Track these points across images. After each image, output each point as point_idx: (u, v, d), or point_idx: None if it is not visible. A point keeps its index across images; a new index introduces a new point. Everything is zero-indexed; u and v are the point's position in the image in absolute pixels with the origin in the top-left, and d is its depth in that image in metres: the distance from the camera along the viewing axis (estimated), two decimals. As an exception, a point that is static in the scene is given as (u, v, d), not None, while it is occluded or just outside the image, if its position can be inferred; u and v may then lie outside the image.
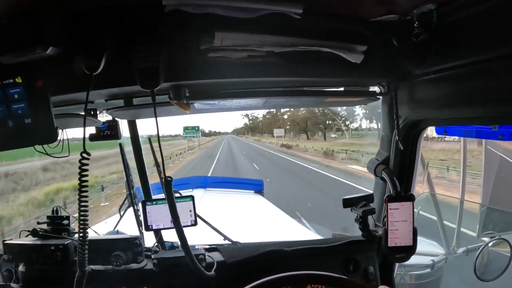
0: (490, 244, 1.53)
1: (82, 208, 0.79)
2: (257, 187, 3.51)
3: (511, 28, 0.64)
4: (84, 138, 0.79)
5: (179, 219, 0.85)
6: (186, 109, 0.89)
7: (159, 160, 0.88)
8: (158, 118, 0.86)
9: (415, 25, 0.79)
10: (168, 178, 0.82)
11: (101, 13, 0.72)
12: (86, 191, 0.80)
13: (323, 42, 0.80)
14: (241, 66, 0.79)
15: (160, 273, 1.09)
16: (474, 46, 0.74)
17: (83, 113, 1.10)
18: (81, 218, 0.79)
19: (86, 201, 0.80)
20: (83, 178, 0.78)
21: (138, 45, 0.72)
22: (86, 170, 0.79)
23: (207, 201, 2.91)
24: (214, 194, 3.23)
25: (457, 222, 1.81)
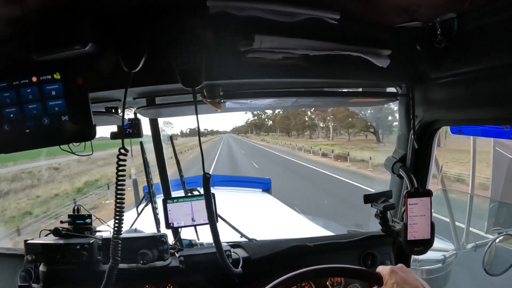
0: (497, 240, 1.58)
1: (118, 201, 0.80)
2: (265, 186, 3.50)
3: None
4: (122, 135, 0.81)
5: (214, 216, 0.87)
6: (218, 107, 0.91)
7: (198, 156, 0.89)
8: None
9: (438, 32, 0.83)
10: (207, 175, 0.84)
11: (143, 11, 0.73)
12: (123, 185, 0.81)
13: (353, 47, 0.83)
14: (275, 67, 0.82)
15: (185, 270, 1.11)
16: (488, 53, 0.78)
17: (116, 111, 1.12)
18: (117, 209, 0.80)
19: (123, 194, 0.81)
20: (120, 173, 0.79)
21: (180, 46, 0.73)
22: (124, 165, 0.80)
23: (217, 199, 2.89)
24: (222, 192, 3.23)
25: (466, 218, 1.86)
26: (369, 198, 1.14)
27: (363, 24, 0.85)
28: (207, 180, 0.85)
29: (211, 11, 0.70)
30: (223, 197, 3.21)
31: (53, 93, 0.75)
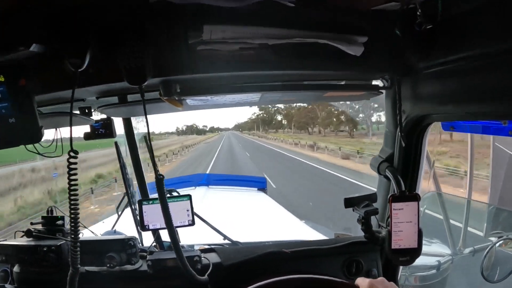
0: (497, 244, 1.48)
1: (72, 207, 0.77)
2: (260, 185, 3.47)
3: None
4: (71, 137, 0.77)
5: (171, 220, 0.82)
6: (178, 105, 0.85)
7: (152, 157, 0.84)
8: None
9: (418, 13, 0.73)
10: (160, 176, 0.79)
11: (85, 9, 0.69)
12: (76, 190, 0.77)
13: (319, 34, 0.74)
14: (233, 59, 0.75)
15: (154, 275, 1.07)
16: (481, 39, 0.69)
17: (76, 112, 1.09)
18: (72, 216, 0.77)
19: (77, 199, 0.78)
20: (72, 177, 0.76)
21: (123, 42, 0.68)
22: (75, 169, 0.76)
23: (210, 199, 2.89)
24: (216, 191, 3.20)
25: (463, 222, 1.75)
26: (350, 202, 1.06)
27: (332, 7, 0.76)
28: (160, 182, 0.80)
29: (153, 0, 0.63)
30: (217, 196, 3.19)
31: None
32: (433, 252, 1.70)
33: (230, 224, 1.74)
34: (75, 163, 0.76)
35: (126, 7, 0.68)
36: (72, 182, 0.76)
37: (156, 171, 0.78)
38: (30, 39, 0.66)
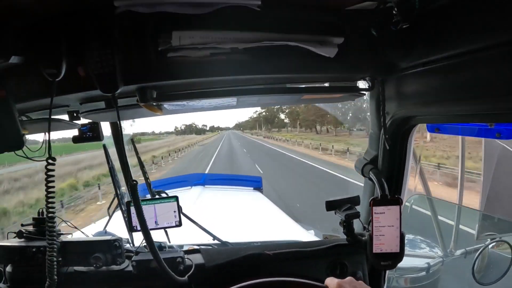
0: (490, 246, 1.46)
1: (50, 215, 0.79)
2: (256, 184, 3.48)
3: (506, 12, 0.56)
4: (49, 143, 0.78)
5: (145, 222, 0.85)
6: (157, 111, 0.86)
7: (126, 161, 0.85)
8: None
9: (394, 12, 0.71)
10: (134, 182, 0.81)
11: (55, 19, 0.69)
12: (53, 197, 0.79)
13: (289, 36, 0.73)
14: (205, 65, 0.75)
15: (138, 275, 1.09)
16: (463, 34, 0.66)
17: (61, 117, 1.11)
18: (49, 225, 0.79)
19: (53, 208, 0.79)
20: (50, 184, 0.77)
21: (91, 50, 0.69)
22: (52, 176, 0.78)
23: (205, 198, 2.91)
24: (212, 191, 3.22)
25: (454, 223, 1.73)
26: (332, 205, 1.06)
27: (304, 7, 0.75)
28: (134, 188, 0.81)
29: (118, 11, 0.64)
30: (213, 196, 3.21)
31: None
32: (423, 254, 1.68)
33: (222, 224, 1.75)
34: (53, 170, 0.78)
35: (93, 15, 0.69)
36: (50, 190, 0.78)
37: (130, 177, 0.79)
38: (8, 51, 0.68)
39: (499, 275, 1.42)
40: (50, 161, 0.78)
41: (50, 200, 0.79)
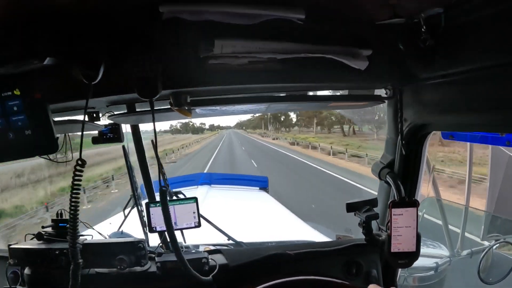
0: (494, 247, 1.51)
1: (72, 208, 0.79)
2: (262, 184, 3.50)
3: None
4: (81, 145, 0.79)
5: (172, 226, 0.87)
6: (188, 115, 0.88)
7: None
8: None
9: (422, 30, 0.76)
10: (164, 188, 0.83)
11: (97, 21, 0.70)
12: (78, 197, 0.80)
13: (326, 48, 0.77)
14: (242, 72, 0.77)
15: (163, 276, 1.10)
16: (482, 51, 0.71)
17: (97, 117, 1.11)
18: (71, 215, 0.80)
19: (77, 203, 0.80)
20: (75, 187, 0.78)
21: (134, 54, 0.70)
22: (80, 176, 0.78)
23: (212, 198, 2.92)
24: (219, 191, 3.23)
25: (461, 224, 1.79)
26: (352, 206, 1.10)
27: (338, 22, 0.79)
28: (163, 193, 0.84)
29: (164, 17, 0.66)
30: (219, 195, 3.23)
31: (15, 108, 0.75)
32: (431, 253, 1.74)
33: (233, 224, 1.77)
34: (82, 170, 0.79)
35: (137, 20, 0.70)
36: (75, 190, 0.78)
37: (160, 182, 0.81)
38: (44, 52, 0.68)
39: (502, 275, 1.48)
40: (79, 162, 0.77)
41: (74, 201, 0.79)
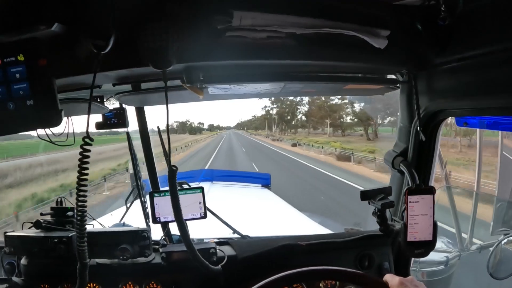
0: (503, 242, 1.49)
1: (80, 198, 0.74)
2: (265, 181, 3.46)
3: None
4: (88, 122, 0.74)
5: (181, 212, 0.81)
6: (200, 93, 0.84)
7: (167, 149, 0.82)
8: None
9: (442, 8, 0.74)
10: (173, 167, 0.78)
11: None
12: (86, 179, 0.74)
13: (346, 25, 0.75)
14: (259, 47, 0.74)
15: (168, 267, 1.05)
16: (499, 34, 0.69)
17: (101, 100, 1.06)
18: (79, 207, 0.74)
19: (85, 190, 0.74)
20: (84, 166, 0.72)
21: (146, 24, 0.66)
22: (88, 157, 0.73)
23: (214, 194, 2.87)
24: (221, 187, 3.18)
25: (471, 217, 1.77)
26: (366, 195, 1.06)
27: (356, 0, 0.76)
28: (173, 173, 0.78)
29: None
30: (221, 192, 3.18)
31: (17, 76, 0.69)
32: (441, 248, 1.71)
33: (236, 219, 1.72)
34: (89, 151, 0.73)
35: None
36: (83, 171, 0.72)
37: (169, 162, 0.76)
38: (52, 18, 0.64)
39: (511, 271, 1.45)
40: (87, 140, 0.72)
41: (82, 182, 0.73)
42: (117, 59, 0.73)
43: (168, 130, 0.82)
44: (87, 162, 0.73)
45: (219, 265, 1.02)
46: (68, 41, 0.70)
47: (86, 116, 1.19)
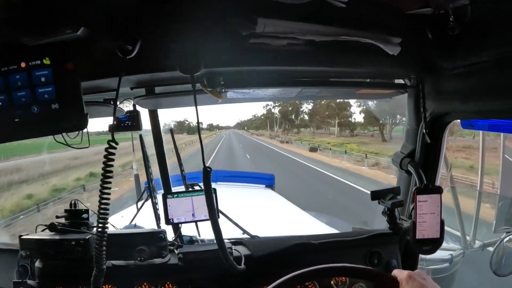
0: (506, 240, 1.53)
1: (103, 201, 0.75)
2: (268, 182, 3.47)
3: None
4: (113, 126, 0.76)
5: (215, 212, 0.83)
6: (219, 97, 0.87)
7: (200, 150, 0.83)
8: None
9: (450, 19, 0.78)
10: (208, 169, 0.80)
11: None
12: (110, 182, 0.75)
13: (362, 32, 0.78)
14: (279, 54, 0.77)
15: (185, 268, 1.07)
16: (503, 41, 0.73)
17: (100, 102, 1.08)
18: (101, 212, 0.75)
19: (109, 193, 0.76)
20: (108, 169, 0.74)
21: (173, 29, 0.69)
22: (112, 160, 0.74)
23: (219, 194, 2.86)
24: (225, 188, 3.19)
25: (474, 215, 1.81)
26: (376, 195, 1.10)
27: (373, 8, 0.80)
28: (207, 174, 0.80)
29: None
30: (225, 192, 3.18)
31: (43, 79, 0.71)
32: (445, 246, 1.75)
33: (243, 219, 1.74)
34: (113, 154, 0.74)
35: None
36: (107, 174, 0.73)
37: (203, 163, 0.78)
38: (78, 22, 0.65)
39: None
40: (112, 144, 0.73)
41: (106, 185, 0.74)
42: (141, 63, 0.75)
43: (200, 131, 0.83)
44: (111, 166, 0.75)
45: (242, 264, 1.04)
46: (91, 45, 0.72)
47: (98, 118, 1.21)
